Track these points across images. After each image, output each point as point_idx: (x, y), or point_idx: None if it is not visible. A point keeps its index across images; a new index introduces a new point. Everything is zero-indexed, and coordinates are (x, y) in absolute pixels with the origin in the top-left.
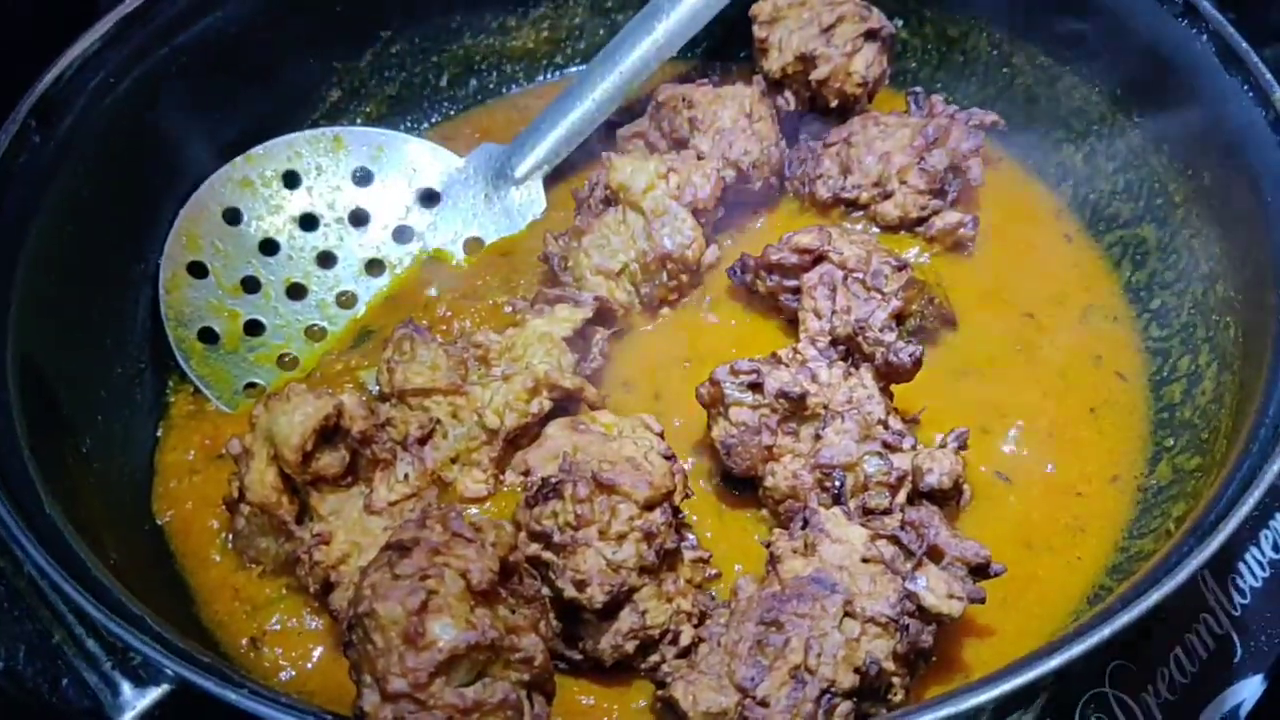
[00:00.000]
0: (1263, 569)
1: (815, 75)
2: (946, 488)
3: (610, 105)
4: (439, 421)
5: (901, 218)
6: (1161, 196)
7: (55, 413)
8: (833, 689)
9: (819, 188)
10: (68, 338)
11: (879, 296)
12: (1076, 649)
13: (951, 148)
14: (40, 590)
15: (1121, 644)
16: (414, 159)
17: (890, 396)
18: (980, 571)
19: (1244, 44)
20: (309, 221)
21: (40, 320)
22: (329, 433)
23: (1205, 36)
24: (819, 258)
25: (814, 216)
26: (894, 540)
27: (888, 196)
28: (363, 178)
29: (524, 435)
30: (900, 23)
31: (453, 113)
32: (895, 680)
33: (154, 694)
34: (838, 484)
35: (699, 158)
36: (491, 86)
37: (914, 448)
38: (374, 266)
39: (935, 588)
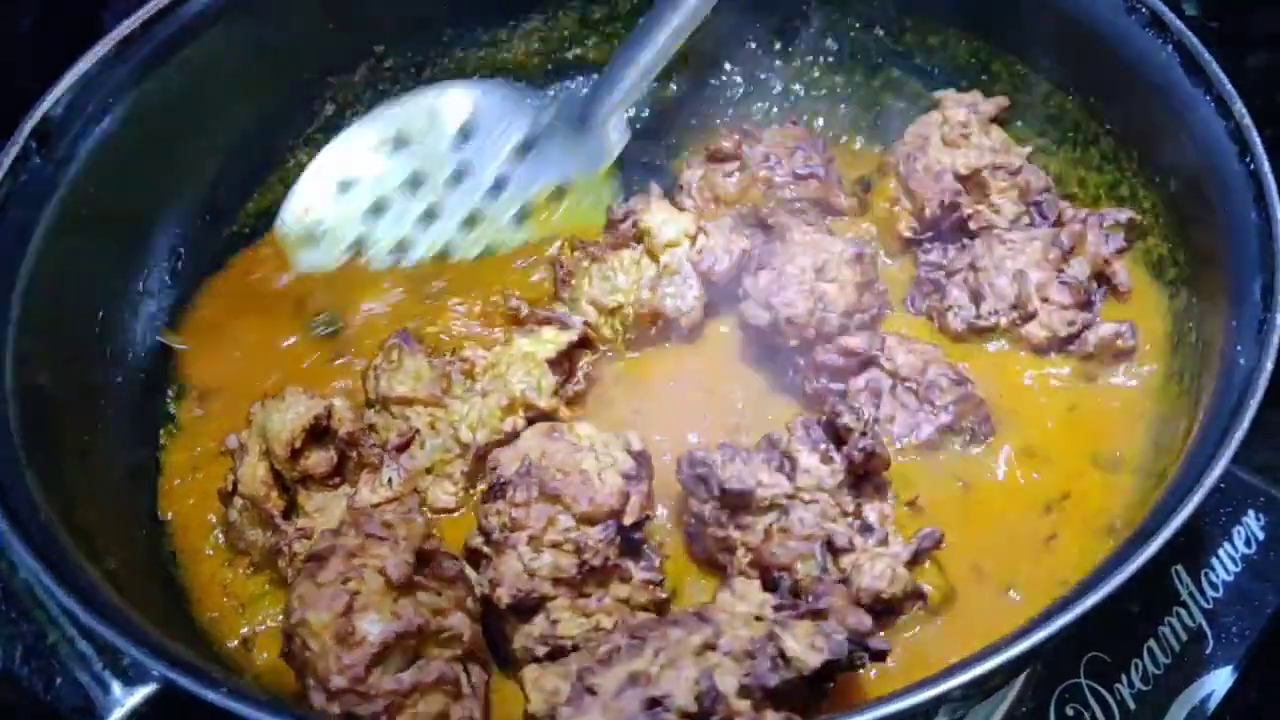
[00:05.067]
0: (1235, 564)
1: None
2: (886, 596)
3: (678, 39)
4: (418, 431)
5: (1050, 338)
6: (1131, 202)
7: (54, 421)
8: (665, 702)
9: (951, 320)
10: (68, 350)
11: (929, 408)
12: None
13: (1091, 254)
14: (35, 593)
15: (1096, 636)
16: (506, 109)
17: (876, 485)
18: (857, 639)
19: (1206, 54)
20: (417, 181)
21: (40, 332)
22: (319, 433)
23: (1170, 46)
24: (868, 362)
25: (949, 342)
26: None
27: (1030, 318)
28: (464, 135)
29: None
30: (881, 31)
31: None
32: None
33: (142, 692)
34: (776, 582)
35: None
36: None
37: (884, 541)
38: (471, 221)
39: (800, 636)
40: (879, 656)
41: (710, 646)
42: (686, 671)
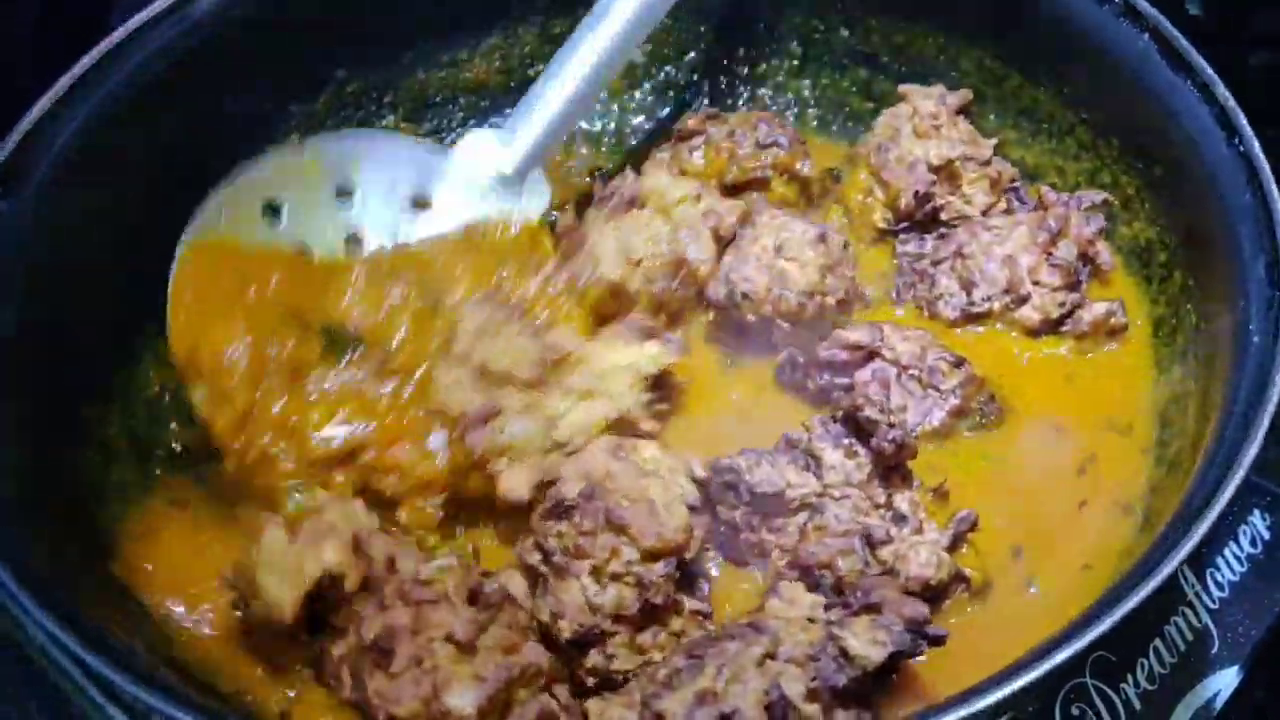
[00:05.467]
0: (1240, 564)
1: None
2: (934, 582)
3: (607, 73)
4: (499, 412)
5: (1044, 320)
6: (1114, 189)
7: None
8: (735, 717)
9: (942, 309)
10: (63, 412)
11: (935, 393)
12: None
13: (1075, 235)
14: (52, 658)
15: (1102, 635)
16: (394, 162)
17: (902, 474)
18: (916, 628)
19: (1183, 40)
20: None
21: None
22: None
23: (1147, 35)
24: (871, 354)
25: (940, 330)
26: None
27: (1023, 301)
28: (344, 193)
29: None
30: (846, 32)
31: None
32: None
33: None
34: (818, 581)
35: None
36: (446, 121)
37: (919, 529)
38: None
39: (859, 632)
40: (938, 642)
41: (770, 656)
42: (752, 684)
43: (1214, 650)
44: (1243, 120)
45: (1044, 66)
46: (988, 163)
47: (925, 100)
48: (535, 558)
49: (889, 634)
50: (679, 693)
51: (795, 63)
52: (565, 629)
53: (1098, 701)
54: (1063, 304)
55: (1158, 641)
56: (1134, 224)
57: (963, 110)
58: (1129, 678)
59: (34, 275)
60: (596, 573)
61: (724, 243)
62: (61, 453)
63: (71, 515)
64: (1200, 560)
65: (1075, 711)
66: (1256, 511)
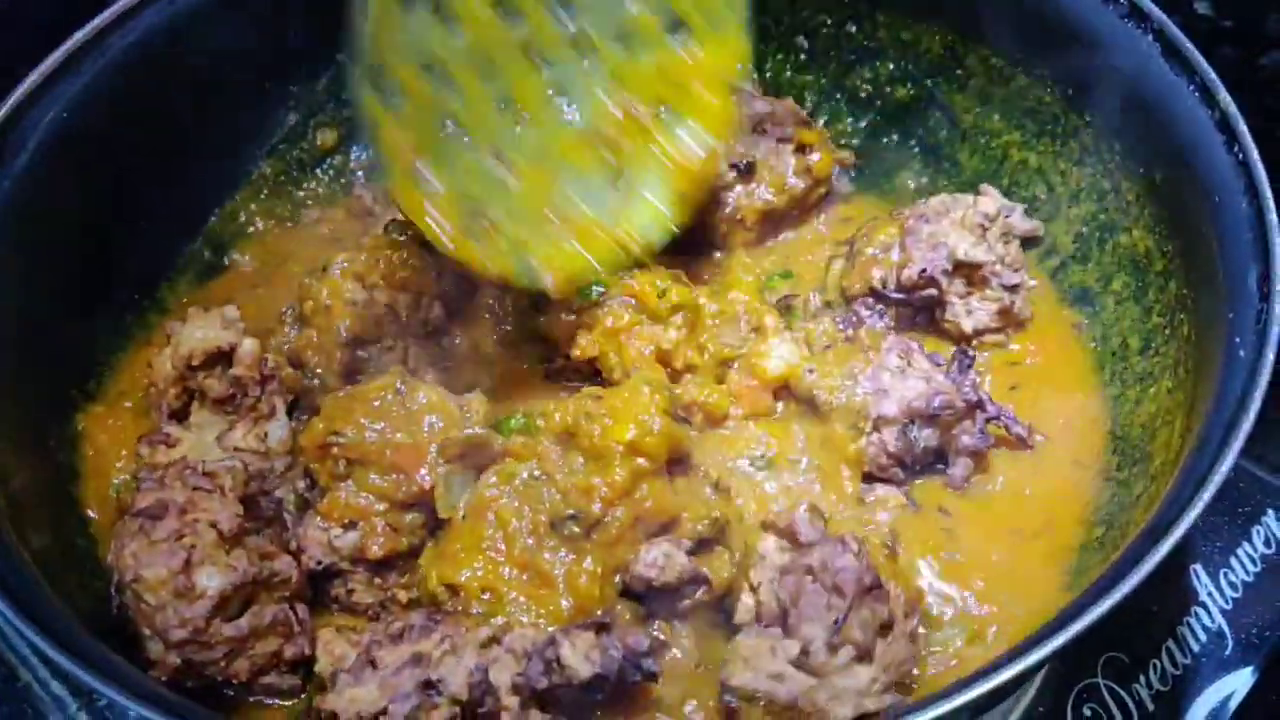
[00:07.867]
0: (1254, 564)
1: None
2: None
3: None
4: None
5: (857, 459)
6: (1114, 195)
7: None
8: (439, 685)
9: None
10: (32, 383)
11: None
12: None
13: (954, 435)
14: (3, 634)
15: (1113, 636)
16: None
17: None
18: (633, 657)
19: (1189, 44)
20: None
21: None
22: (221, 360)
23: (1151, 36)
24: None
25: None
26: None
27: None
28: None
29: None
30: (854, 28)
31: None
32: (505, 715)
33: None
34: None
35: None
36: None
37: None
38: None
39: (577, 646)
40: (650, 677)
41: (496, 641)
42: (466, 661)
43: (1228, 651)
44: (1243, 126)
45: (1049, 67)
46: (1014, 289)
47: (990, 202)
48: (301, 485)
49: (603, 655)
50: (400, 648)
51: (801, 57)
52: (309, 561)
53: (1110, 702)
54: (883, 469)
55: (1170, 642)
56: (1133, 231)
57: (1028, 240)
58: (1141, 678)
59: (18, 251)
60: (343, 511)
61: None
62: (41, 435)
63: (51, 506)
64: (1214, 561)
65: (1087, 712)
66: (1270, 512)
